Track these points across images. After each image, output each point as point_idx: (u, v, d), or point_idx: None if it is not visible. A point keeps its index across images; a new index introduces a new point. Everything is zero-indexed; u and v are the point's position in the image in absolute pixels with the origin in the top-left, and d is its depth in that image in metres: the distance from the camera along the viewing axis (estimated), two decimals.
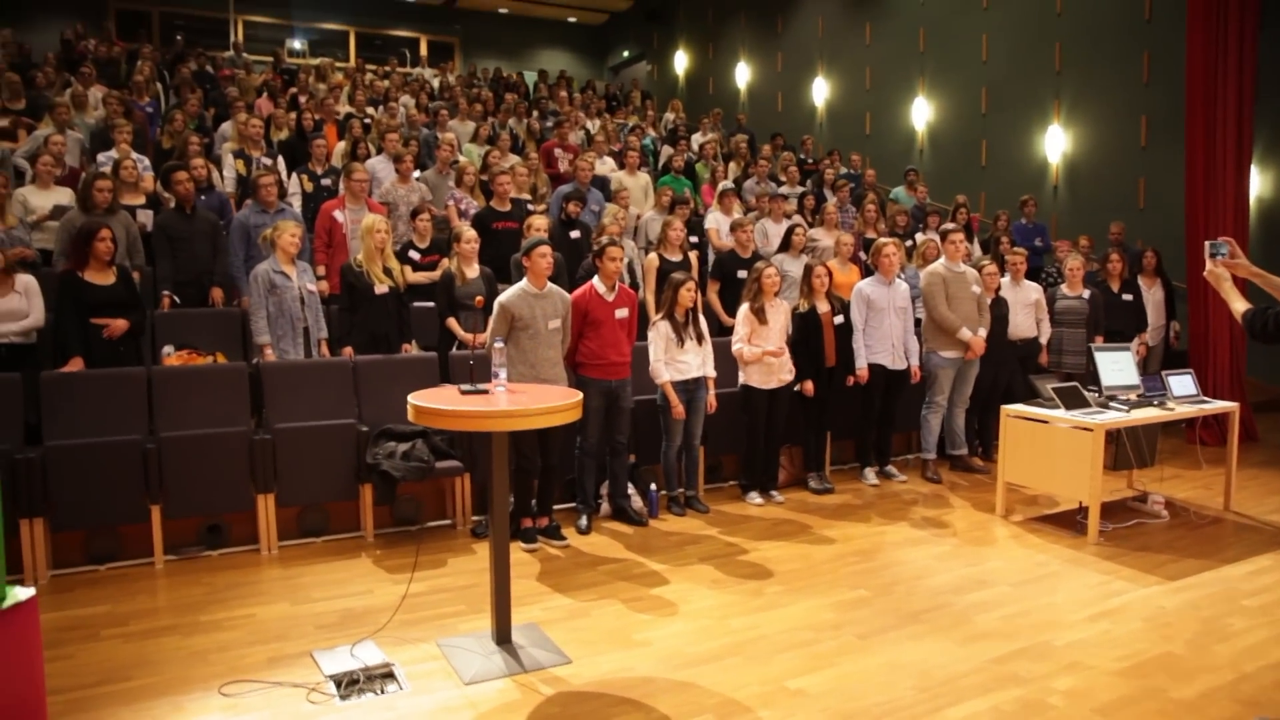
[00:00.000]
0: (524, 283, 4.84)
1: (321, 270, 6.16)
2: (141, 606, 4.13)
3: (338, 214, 6.30)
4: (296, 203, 7.06)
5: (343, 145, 8.36)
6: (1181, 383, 5.75)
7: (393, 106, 10.86)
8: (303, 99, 10.25)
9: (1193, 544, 5.06)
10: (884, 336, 6.11)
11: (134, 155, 6.89)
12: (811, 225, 7.85)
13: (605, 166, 8.98)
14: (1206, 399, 5.82)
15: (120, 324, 5.07)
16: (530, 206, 7.14)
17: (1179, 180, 8.19)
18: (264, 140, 7.93)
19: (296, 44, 17.55)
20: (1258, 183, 8.99)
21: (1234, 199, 7.59)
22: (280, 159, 7.79)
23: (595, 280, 5.18)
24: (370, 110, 10.64)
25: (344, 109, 10.19)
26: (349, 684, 3.39)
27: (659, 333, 5.41)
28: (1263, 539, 5.16)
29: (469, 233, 5.70)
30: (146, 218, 6.33)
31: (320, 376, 5.31)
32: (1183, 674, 3.48)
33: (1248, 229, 7.99)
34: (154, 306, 5.88)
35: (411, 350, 5.68)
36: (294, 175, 7.37)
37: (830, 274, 6.05)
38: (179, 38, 13.29)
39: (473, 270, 5.67)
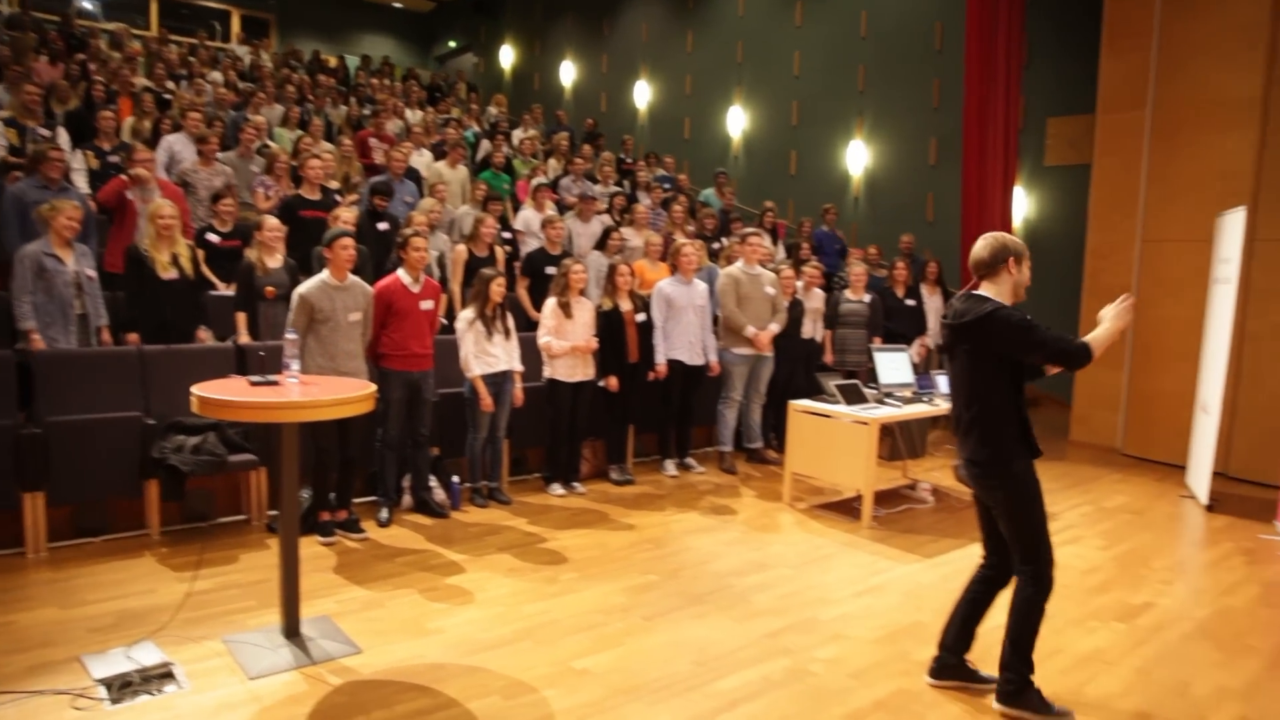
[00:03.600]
0: (324, 274, 4.78)
1: None
2: None
3: (128, 193, 5.95)
4: (80, 180, 6.61)
5: (132, 121, 7.86)
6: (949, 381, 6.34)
7: (199, 84, 10.29)
8: (93, 66, 9.55)
9: (951, 526, 5.61)
10: (682, 333, 6.40)
11: None
12: (620, 225, 8.08)
13: (423, 159, 8.87)
14: None
15: None
16: (339, 198, 6.97)
17: (959, 198, 9.00)
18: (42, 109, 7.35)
19: (87, 4, 16.23)
20: (1024, 204, 9.99)
21: (1000, 218, 8.42)
22: (62, 131, 7.24)
23: (400, 271, 5.17)
24: (171, 85, 10.04)
25: (141, 81, 9.56)
26: (121, 686, 3.26)
27: (469, 326, 5.46)
28: None
29: (271, 221, 5.55)
30: None
31: (101, 366, 5.02)
32: (927, 638, 3.87)
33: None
34: None
35: (206, 339, 5.46)
36: (78, 151, 6.89)
37: (633, 273, 6.29)
38: None
39: (275, 260, 5.53)
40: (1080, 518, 5.85)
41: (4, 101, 7.56)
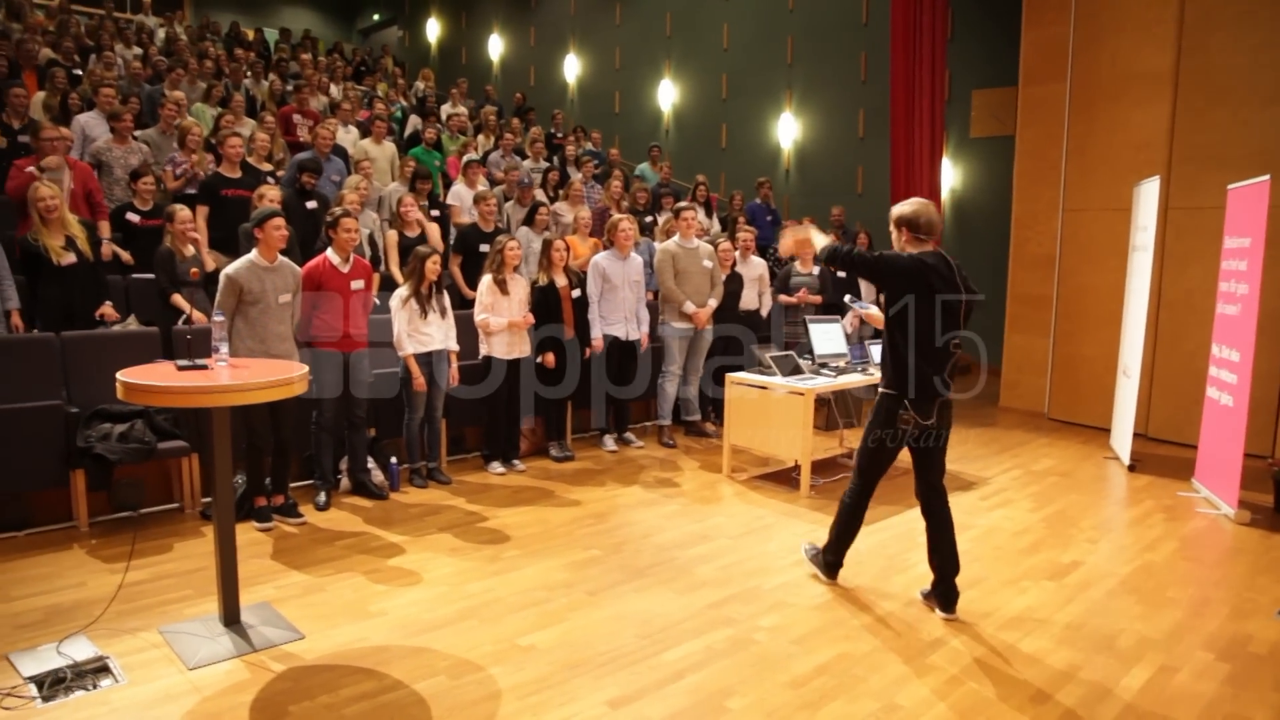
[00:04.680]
0: (254, 254, 4.65)
1: None
2: None
3: (33, 169, 5.67)
4: None
5: (42, 96, 7.51)
6: (882, 350, 6.45)
7: (109, 57, 9.86)
8: None
9: (887, 493, 5.68)
10: (617, 308, 6.39)
11: None
12: (554, 200, 8.00)
13: (349, 136, 8.66)
14: None
15: None
16: (270, 179, 6.77)
17: (889, 169, 9.14)
18: None
19: None
20: (951, 175, 10.19)
21: (928, 188, 8.59)
22: None
23: (330, 251, 5.06)
24: (79, 59, 9.60)
25: (46, 54, 9.12)
26: (53, 683, 3.15)
27: (403, 304, 5.39)
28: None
29: (183, 212, 5.42)
30: None
31: (17, 354, 4.81)
32: (867, 603, 3.99)
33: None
34: None
35: (110, 315, 5.26)
36: None
37: (569, 248, 6.25)
38: None
39: (189, 248, 5.41)
40: (1011, 481, 6.04)
41: None
